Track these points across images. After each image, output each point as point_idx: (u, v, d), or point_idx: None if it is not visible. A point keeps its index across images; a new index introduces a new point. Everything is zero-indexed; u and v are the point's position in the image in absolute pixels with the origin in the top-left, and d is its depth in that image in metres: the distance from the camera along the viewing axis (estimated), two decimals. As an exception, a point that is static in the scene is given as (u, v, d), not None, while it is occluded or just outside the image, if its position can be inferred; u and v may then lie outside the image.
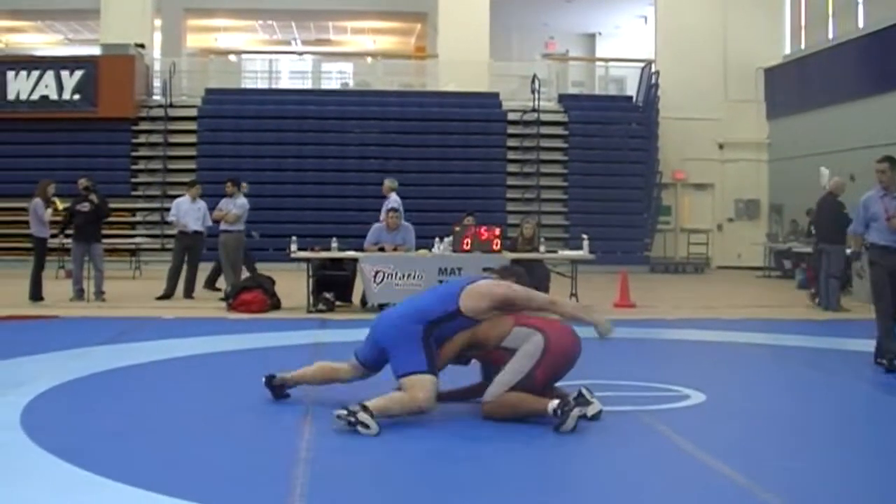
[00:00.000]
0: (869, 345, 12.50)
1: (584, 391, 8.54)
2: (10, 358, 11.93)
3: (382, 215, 19.89)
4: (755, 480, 6.81)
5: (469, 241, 18.32)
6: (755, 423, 9.01)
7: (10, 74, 31.23)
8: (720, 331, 16.10)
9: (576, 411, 8.18)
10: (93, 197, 19.32)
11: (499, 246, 18.38)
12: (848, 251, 21.08)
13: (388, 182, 21.36)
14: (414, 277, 17.73)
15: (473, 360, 9.11)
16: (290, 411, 9.06)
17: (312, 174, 31.41)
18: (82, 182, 19.69)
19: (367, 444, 7.95)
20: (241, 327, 15.69)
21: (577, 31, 42.00)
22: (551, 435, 8.15)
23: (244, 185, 21.10)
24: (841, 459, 7.76)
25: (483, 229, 18.59)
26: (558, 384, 8.83)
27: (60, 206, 20.07)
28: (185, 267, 20.32)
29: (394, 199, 20.30)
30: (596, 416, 8.57)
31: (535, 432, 8.20)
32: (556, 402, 8.31)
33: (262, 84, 37.65)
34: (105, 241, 20.49)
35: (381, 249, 18.44)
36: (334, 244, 18.54)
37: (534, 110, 32.64)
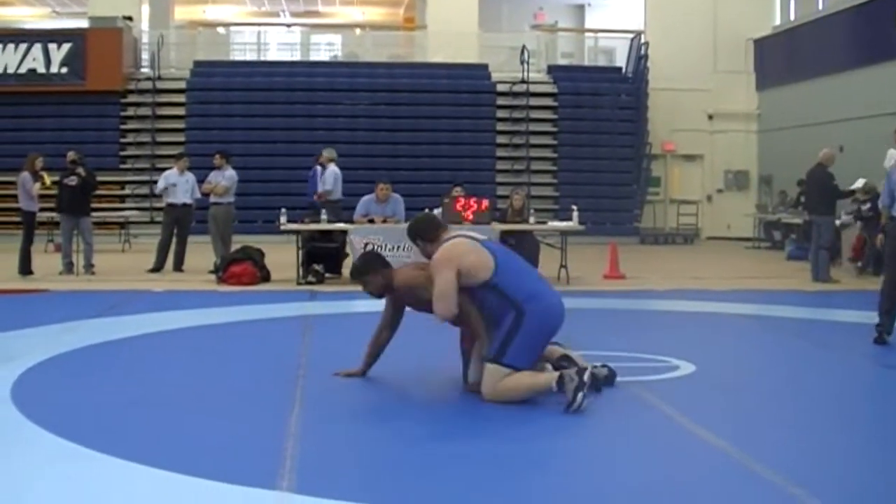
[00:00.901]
0: (859, 316, 12.53)
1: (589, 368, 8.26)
2: (0, 332, 11.94)
3: (319, 188, 19.95)
4: (745, 450, 6.82)
5: (470, 214, 18.27)
6: (745, 393, 9.04)
7: (-2, 47, 31.12)
8: (710, 301, 16.12)
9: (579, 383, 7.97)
10: (80, 170, 19.28)
11: (471, 217, 18.22)
12: (837, 222, 21.20)
13: (327, 152, 21.42)
14: (403, 249, 17.69)
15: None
16: (281, 385, 9.05)
17: (302, 146, 31.28)
18: (70, 155, 19.65)
19: (357, 420, 7.97)
20: (231, 300, 15.70)
21: (566, 2, 41.80)
22: (533, 403, 8.17)
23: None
24: (832, 429, 7.76)
25: (472, 200, 18.56)
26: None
27: (48, 180, 20.01)
28: (174, 240, 20.29)
29: (332, 171, 20.21)
30: (609, 380, 8.83)
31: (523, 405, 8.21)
32: (555, 376, 8.25)
33: (250, 56, 37.53)
34: (94, 214, 20.44)
35: (371, 221, 18.42)
36: (323, 216, 18.53)
37: (523, 81, 32.56)
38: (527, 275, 8.82)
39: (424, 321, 8.84)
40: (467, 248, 8.60)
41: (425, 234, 9.03)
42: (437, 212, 18.27)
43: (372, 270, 9.04)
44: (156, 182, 22.72)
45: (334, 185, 20.70)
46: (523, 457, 6.84)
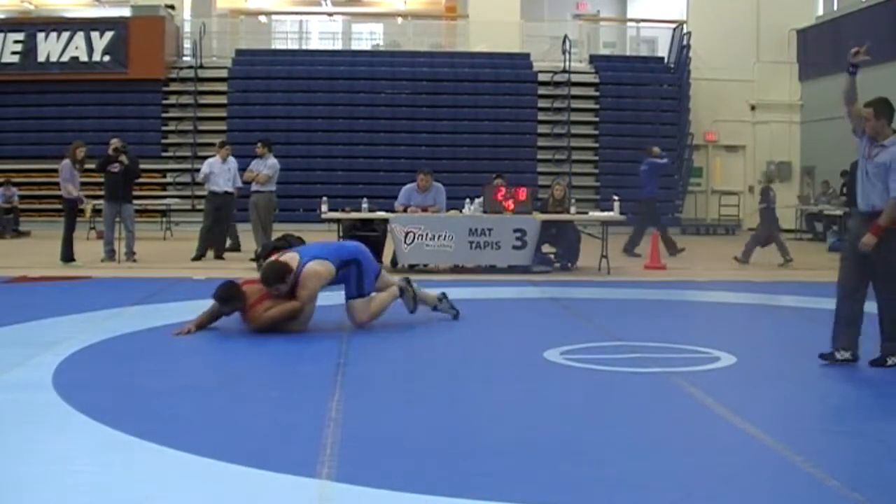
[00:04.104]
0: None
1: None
2: (42, 318, 12.00)
3: (247, 176, 20.10)
4: (783, 442, 6.78)
5: (511, 203, 18.25)
6: (785, 385, 8.98)
7: (41, 36, 31.26)
8: (751, 293, 16.05)
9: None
10: (123, 158, 19.36)
11: (512, 207, 18.29)
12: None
13: (262, 145, 21.66)
14: (444, 238, 17.74)
15: None
16: (321, 371, 9.07)
17: (343, 135, 31.41)
18: (114, 143, 19.71)
19: (396, 405, 7.98)
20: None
21: (608, -9, 41.75)
22: (578, 393, 8.16)
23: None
24: (871, 423, 7.71)
25: (514, 190, 18.54)
26: None
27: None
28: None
29: (271, 163, 20.17)
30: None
31: (557, 386, 8.19)
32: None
33: (292, 45, 37.59)
34: (136, 202, 20.56)
35: (405, 210, 18.45)
36: (365, 205, 18.56)
37: (565, 71, 32.49)
38: (336, 246, 12.54)
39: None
40: (319, 266, 11.27)
41: (280, 279, 11.06)
42: (477, 201, 18.35)
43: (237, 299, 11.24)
44: (197, 170, 22.80)
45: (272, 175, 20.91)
46: (559, 444, 6.83)
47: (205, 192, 21.13)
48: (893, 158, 9.29)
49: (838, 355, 9.61)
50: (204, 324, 11.20)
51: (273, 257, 11.53)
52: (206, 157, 21.85)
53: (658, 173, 23.43)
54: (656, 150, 23.61)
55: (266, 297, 11.04)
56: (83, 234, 22.13)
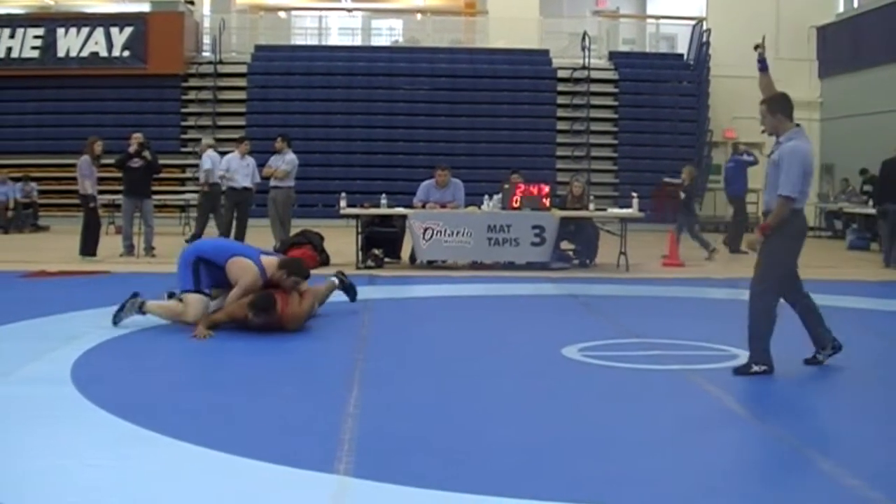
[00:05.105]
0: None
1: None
2: (60, 313, 12.04)
3: (202, 178, 20.34)
4: (802, 440, 6.77)
5: (518, 199, 18.25)
6: (803, 383, 8.95)
7: (60, 31, 31.36)
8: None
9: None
10: (146, 153, 19.40)
11: (548, 203, 18.35)
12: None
13: (205, 140, 21.92)
14: (463, 234, 17.74)
15: None
16: (340, 368, 9.08)
17: (361, 131, 31.42)
18: (137, 138, 19.73)
19: (414, 401, 7.98)
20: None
21: (628, -12, 41.69)
22: (595, 390, 8.15)
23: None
24: (893, 422, 7.69)
25: (532, 187, 18.53)
26: None
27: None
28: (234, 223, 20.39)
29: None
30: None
31: (574, 383, 8.19)
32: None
33: (311, 41, 37.52)
34: (154, 197, 20.58)
35: (423, 206, 18.46)
36: (383, 201, 18.57)
37: (584, 68, 32.45)
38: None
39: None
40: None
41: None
42: (496, 197, 18.36)
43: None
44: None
45: (212, 169, 21.31)
46: (577, 441, 6.83)
47: (223, 188, 21.16)
48: (782, 156, 9.03)
49: (819, 356, 9.45)
50: (220, 323, 10.97)
51: (236, 259, 11.23)
52: (224, 153, 21.87)
53: (744, 170, 23.46)
54: (742, 147, 23.72)
55: (285, 297, 10.96)
56: (102, 230, 22.12)
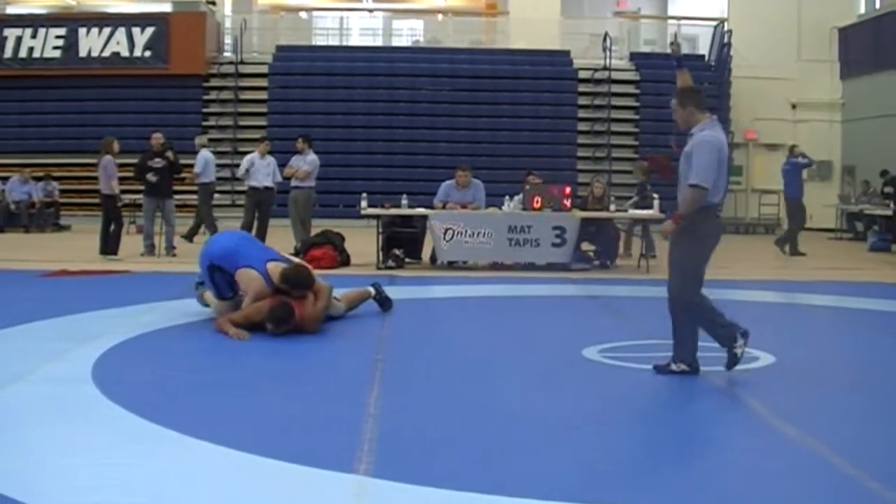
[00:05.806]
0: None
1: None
2: (81, 312, 12.07)
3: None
4: (823, 443, 6.74)
5: (539, 200, 18.24)
6: (824, 385, 8.91)
7: (82, 31, 31.46)
8: (791, 292, 15.98)
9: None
10: (169, 154, 19.45)
11: (570, 204, 18.34)
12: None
13: (199, 139, 22.12)
14: (483, 235, 17.74)
15: None
16: (360, 368, 9.08)
17: (382, 131, 31.44)
18: (159, 138, 19.78)
19: (434, 401, 7.98)
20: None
21: (649, -11, 41.64)
22: (616, 392, 8.14)
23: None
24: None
25: (553, 188, 18.53)
26: None
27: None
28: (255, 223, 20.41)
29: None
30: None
31: (595, 384, 8.18)
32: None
33: (332, 41, 37.58)
34: (175, 197, 20.62)
35: (443, 207, 18.47)
36: (404, 201, 18.58)
37: (605, 68, 32.44)
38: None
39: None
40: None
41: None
42: (517, 198, 18.35)
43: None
44: (237, 166, 22.87)
45: (205, 168, 21.77)
46: (596, 442, 6.82)
47: (245, 188, 21.21)
48: (693, 146, 9.03)
49: (673, 366, 8.95)
50: (238, 325, 10.87)
51: (242, 270, 11.22)
52: (246, 153, 21.89)
53: (800, 172, 23.44)
54: (798, 149, 23.68)
55: (299, 301, 10.94)
56: (123, 229, 22.19)
